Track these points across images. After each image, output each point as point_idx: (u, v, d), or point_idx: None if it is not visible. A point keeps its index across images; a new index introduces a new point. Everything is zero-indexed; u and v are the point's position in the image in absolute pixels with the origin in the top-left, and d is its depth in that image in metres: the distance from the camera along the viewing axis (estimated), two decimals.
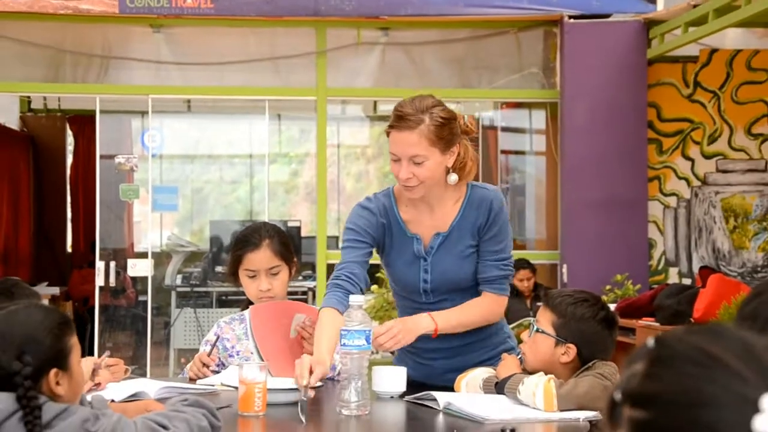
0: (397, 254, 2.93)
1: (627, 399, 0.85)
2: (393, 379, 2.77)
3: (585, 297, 2.66)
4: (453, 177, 2.83)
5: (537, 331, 2.65)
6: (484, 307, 2.87)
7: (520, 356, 2.72)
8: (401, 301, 3.02)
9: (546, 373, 2.57)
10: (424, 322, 2.78)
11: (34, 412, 1.76)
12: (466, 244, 2.88)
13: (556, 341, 2.62)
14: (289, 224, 9.09)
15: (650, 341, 0.88)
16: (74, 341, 1.91)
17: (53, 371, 1.84)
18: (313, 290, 8.02)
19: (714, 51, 7.57)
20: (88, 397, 1.93)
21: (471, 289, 2.90)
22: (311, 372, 2.47)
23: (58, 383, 1.84)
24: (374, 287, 7.26)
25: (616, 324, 2.69)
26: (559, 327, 2.62)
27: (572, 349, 2.61)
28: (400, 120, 2.77)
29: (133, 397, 2.63)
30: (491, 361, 2.85)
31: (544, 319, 2.66)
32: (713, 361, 0.83)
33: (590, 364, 2.60)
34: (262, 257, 3.10)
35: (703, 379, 0.82)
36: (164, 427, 1.88)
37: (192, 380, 3.02)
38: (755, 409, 0.79)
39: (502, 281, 2.89)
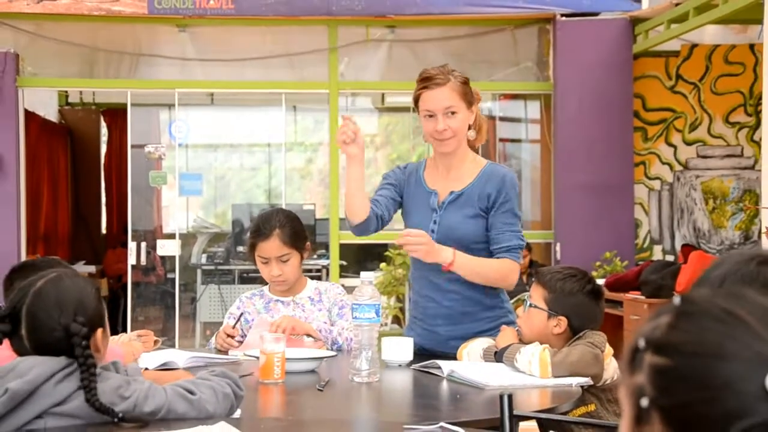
0: (414, 205, 2.99)
1: (650, 346, 0.85)
2: (401, 348, 2.77)
3: (572, 272, 2.66)
4: (471, 133, 2.94)
5: (530, 306, 2.65)
6: (502, 268, 2.86)
7: (517, 328, 2.72)
8: (414, 259, 3.02)
9: (541, 344, 2.57)
10: (445, 253, 2.79)
11: (90, 369, 1.77)
12: (475, 207, 2.90)
13: (549, 314, 2.62)
14: (305, 207, 9.09)
15: (677, 299, 0.88)
16: (104, 305, 1.93)
17: (100, 330, 1.85)
18: (326, 268, 8.02)
19: (694, 46, 7.53)
20: (125, 366, 1.93)
21: (476, 250, 2.89)
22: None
23: (101, 342, 1.86)
24: (383, 265, 7.26)
25: (602, 295, 2.69)
26: (550, 301, 2.62)
27: (563, 321, 2.61)
28: (429, 80, 2.88)
29: (164, 367, 2.64)
30: (491, 331, 2.84)
31: (537, 294, 2.66)
32: (735, 319, 0.83)
33: (581, 333, 2.59)
34: (271, 246, 3.10)
35: (725, 335, 0.82)
36: (191, 393, 1.88)
37: (219, 352, 3.02)
38: None
39: (518, 250, 2.90)
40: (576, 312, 2.60)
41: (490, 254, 2.89)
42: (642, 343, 0.85)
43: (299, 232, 3.16)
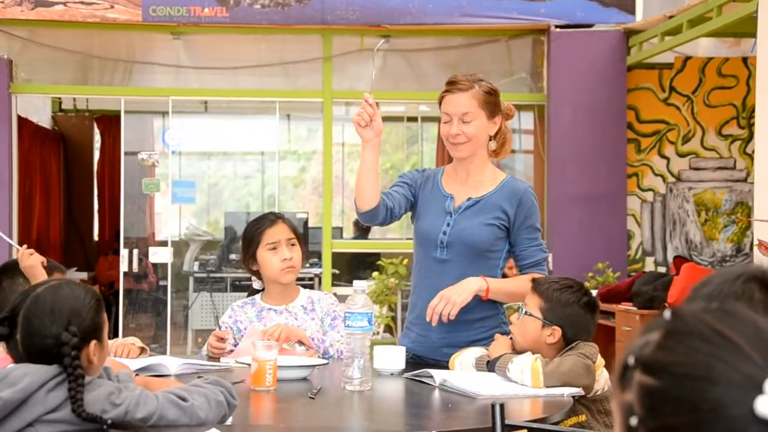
0: (427, 208, 3.00)
1: (639, 365, 0.84)
2: (393, 357, 2.77)
3: (569, 283, 2.67)
4: (492, 144, 2.97)
5: (525, 314, 2.66)
6: (521, 291, 2.87)
7: (510, 337, 2.73)
8: (418, 254, 3.04)
9: (533, 353, 2.58)
10: (475, 283, 2.81)
11: (78, 380, 1.76)
12: (491, 215, 2.92)
13: (543, 324, 2.62)
14: (298, 216, 9.08)
15: (667, 313, 0.87)
16: (105, 317, 1.92)
17: (93, 342, 1.85)
18: (319, 276, 8.02)
19: (688, 58, 7.56)
20: (115, 372, 1.93)
21: (483, 259, 2.91)
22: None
23: (94, 354, 1.85)
24: (375, 274, 7.26)
25: (598, 308, 2.70)
26: (545, 311, 2.63)
27: (558, 331, 2.61)
28: (453, 85, 2.93)
29: (155, 374, 2.63)
30: (485, 341, 2.84)
31: (532, 303, 2.66)
32: (725, 341, 0.81)
33: (573, 344, 2.60)
34: (280, 230, 3.13)
35: (714, 356, 0.81)
36: (183, 399, 1.88)
37: (211, 359, 3.01)
38: (759, 391, 0.78)
39: (544, 263, 2.97)
40: (570, 323, 2.61)
41: (497, 259, 2.93)
42: (632, 361, 0.84)
43: (297, 230, 3.25)
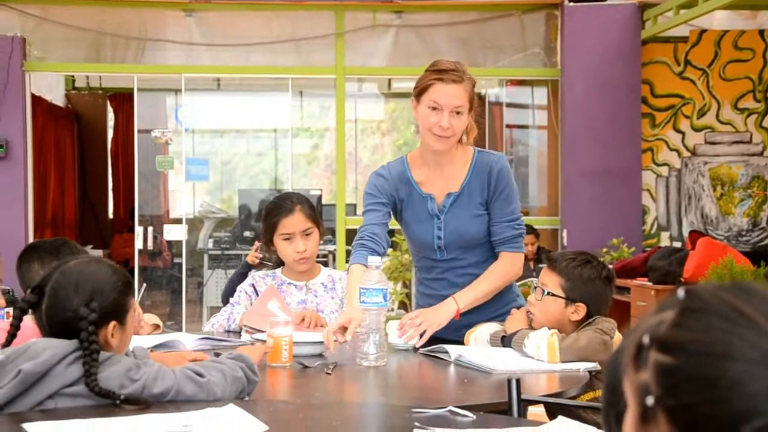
0: (411, 214, 2.91)
1: (654, 343, 0.83)
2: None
3: (587, 258, 2.66)
4: (464, 137, 2.86)
5: (547, 294, 2.64)
6: (503, 269, 2.83)
7: (528, 312, 2.71)
8: (418, 259, 3.00)
9: (557, 330, 2.58)
10: (448, 308, 2.75)
11: (92, 355, 1.78)
12: (476, 203, 2.85)
13: (567, 302, 2.62)
14: (311, 193, 9.08)
15: (681, 292, 0.85)
16: (133, 302, 1.93)
17: (112, 323, 1.85)
18: (333, 253, 8.02)
19: (703, 31, 7.49)
20: (131, 347, 1.94)
21: (482, 246, 2.87)
22: (344, 330, 2.49)
23: (113, 335, 1.85)
24: (389, 250, 7.26)
25: (614, 279, 2.70)
26: (568, 289, 2.62)
27: (582, 308, 2.61)
28: (445, 73, 2.76)
29: (171, 350, 2.64)
30: (500, 317, 2.83)
31: (552, 282, 2.64)
32: (743, 317, 0.81)
33: (590, 320, 2.59)
34: (296, 220, 3.12)
35: (732, 333, 0.80)
36: (200, 375, 1.88)
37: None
38: None
39: (517, 239, 2.85)
40: (593, 298, 2.61)
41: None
42: (647, 340, 0.83)
43: (315, 210, 3.24)
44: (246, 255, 8.51)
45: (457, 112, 2.75)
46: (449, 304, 2.76)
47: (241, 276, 3.98)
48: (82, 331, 1.79)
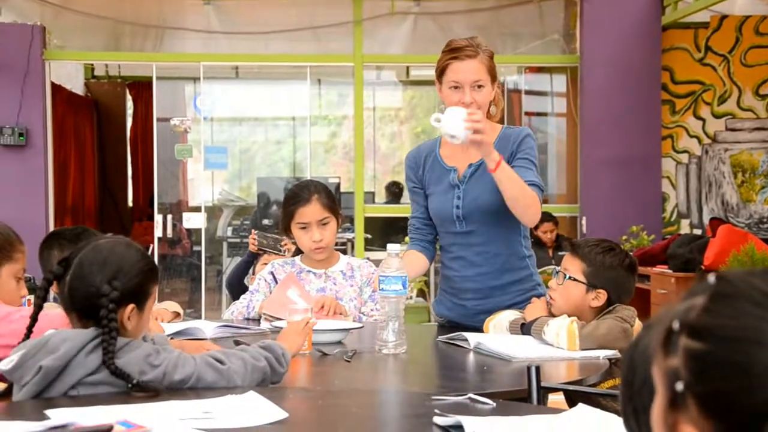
0: (435, 186, 2.95)
1: (684, 329, 0.82)
2: (456, 118, 2.65)
3: (610, 245, 2.66)
4: (493, 108, 2.91)
5: (568, 278, 2.63)
6: (532, 192, 2.78)
7: (549, 299, 2.71)
8: (441, 237, 3.01)
9: (575, 316, 2.57)
10: (496, 153, 2.69)
11: (111, 333, 1.78)
12: None
13: (588, 288, 2.61)
14: (330, 181, 9.08)
15: (711, 278, 0.85)
16: (154, 290, 1.93)
17: (131, 306, 1.85)
18: (351, 241, 8.03)
19: (724, 17, 7.43)
20: (150, 335, 1.94)
21: (502, 218, 2.84)
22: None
23: (129, 318, 1.86)
24: (407, 238, 7.25)
25: (637, 268, 2.69)
26: (589, 275, 2.61)
27: (603, 294, 2.60)
28: (459, 51, 2.81)
29: (191, 337, 2.65)
30: (519, 305, 2.83)
31: (574, 267, 2.63)
32: None
33: (611, 307, 2.59)
34: (312, 210, 3.11)
35: (764, 319, 0.79)
36: (221, 363, 1.89)
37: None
38: None
39: (538, 188, 2.82)
40: (615, 285, 2.60)
41: (516, 222, 2.85)
42: (677, 326, 0.82)
43: (334, 199, 3.23)
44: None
45: (479, 86, 2.80)
46: (496, 152, 2.70)
47: (246, 264, 4.01)
48: (102, 308, 1.79)
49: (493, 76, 2.85)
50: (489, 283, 2.87)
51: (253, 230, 4.15)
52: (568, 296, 2.63)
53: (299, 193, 3.17)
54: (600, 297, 2.60)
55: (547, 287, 2.77)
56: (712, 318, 0.81)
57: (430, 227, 2.98)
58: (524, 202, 2.76)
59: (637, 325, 2.58)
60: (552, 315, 2.64)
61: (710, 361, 0.79)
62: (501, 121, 3.05)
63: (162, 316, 2.89)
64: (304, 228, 3.12)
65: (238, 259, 8.59)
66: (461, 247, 2.89)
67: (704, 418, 0.79)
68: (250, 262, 4.00)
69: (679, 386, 0.80)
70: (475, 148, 2.69)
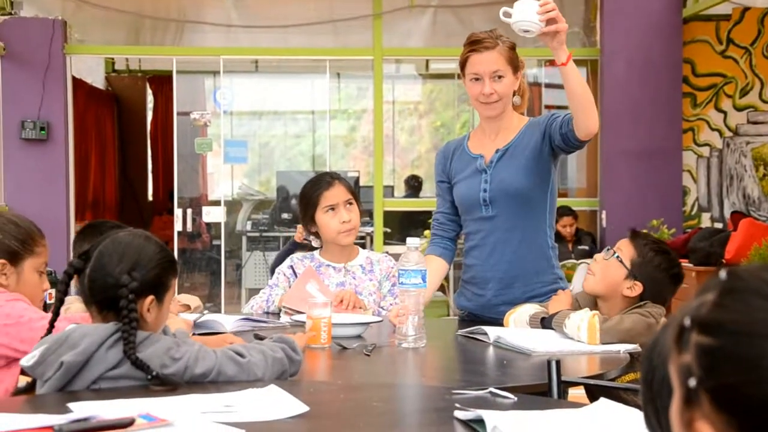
0: (461, 174, 2.99)
1: (695, 325, 0.82)
2: (529, 8, 2.63)
3: (666, 249, 2.68)
4: (516, 98, 2.97)
5: (616, 257, 2.63)
6: (589, 91, 2.79)
7: (587, 274, 2.72)
8: (465, 220, 3.03)
9: (605, 297, 2.58)
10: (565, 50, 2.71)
11: (131, 323, 1.79)
12: (526, 156, 2.88)
13: (628, 275, 2.61)
14: (349, 174, 9.07)
15: (722, 273, 0.85)
16: (174, 283, 1.93)
17: (150, 297, 1.86)
18: (371, 235, 8.03)
19: (746, 9, 7.37)
20: (172, 329, 1.95)
21: (528, 204, 2.87)
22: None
23: (149, 310, 1.86)
24: (426, 232, 7.24)
25: (681, 282, 2.67)
26: (635, 264, 2.61)
27: (638, 287, 2.60)
28: (478, 43, 2.87)
29: (211, 330, 2.66)
30: (541, 297, 2.83)
31: (626, 251, 2.64)
32: None
33: (641, 303, 2.58)
34: (337, 191, 3.14)
35: None
36: (241, 356, 1.89)
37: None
38: None
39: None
40: (653, 285, 2.60)
41: (543, 205, 2.89)
42: (688, 322, 0.82)
43: (353, 189, 3.27)
44: (288, 236, 8.60)
45: (498, 76, 2.85)
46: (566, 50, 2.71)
47: (287, 252, 4.02)
48: (122, 298, 1.80)
49: (515, 67, 2.89)
50: (511, 272, 2.88)
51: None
52: (606, 274, 2.64)
53: (320, 179, 3.20)
54: (635, 288, 2.60)
55: (593, 258, 2.77)
56: (722, 313, 0.81)
57: (453, 223, 3.03)
58: (587, 99, 2.75)
59: (663, 321, 2.57)
60: (576, 308, 2.63)
61: (721, 356, 0.79)
62: (530, 116, 3.07)
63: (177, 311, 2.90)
64: (331, 210, 3.12)
65: (257, 253, 8.67)
66: (486, 233, 2.91)
67: (717, 413, 0.79)
68: (292, 250, 4.02)
69: (692, 382, 0.80)
70: (548, 40, 2.68)
